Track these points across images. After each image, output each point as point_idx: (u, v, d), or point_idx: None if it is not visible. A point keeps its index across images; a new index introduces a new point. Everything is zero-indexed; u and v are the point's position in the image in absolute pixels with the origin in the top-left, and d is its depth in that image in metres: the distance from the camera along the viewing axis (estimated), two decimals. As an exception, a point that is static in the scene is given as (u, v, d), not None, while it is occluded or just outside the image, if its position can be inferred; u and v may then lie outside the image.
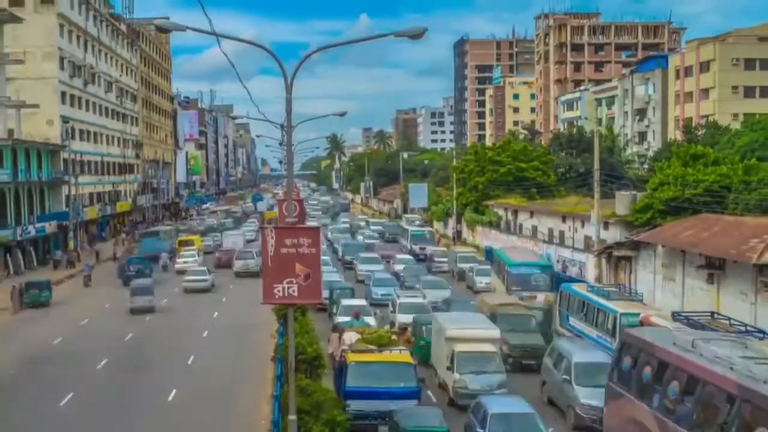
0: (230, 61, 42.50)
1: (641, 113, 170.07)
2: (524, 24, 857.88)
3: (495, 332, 53.21)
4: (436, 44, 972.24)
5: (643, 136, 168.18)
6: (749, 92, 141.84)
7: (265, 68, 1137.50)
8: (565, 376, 46.37)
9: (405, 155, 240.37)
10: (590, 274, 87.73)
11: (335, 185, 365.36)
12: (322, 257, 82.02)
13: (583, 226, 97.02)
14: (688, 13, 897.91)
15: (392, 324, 68.20)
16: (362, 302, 73.16)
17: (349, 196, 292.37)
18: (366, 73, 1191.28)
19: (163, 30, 33.56)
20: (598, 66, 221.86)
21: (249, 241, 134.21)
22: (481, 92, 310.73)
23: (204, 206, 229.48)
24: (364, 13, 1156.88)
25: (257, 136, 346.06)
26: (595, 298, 60.70)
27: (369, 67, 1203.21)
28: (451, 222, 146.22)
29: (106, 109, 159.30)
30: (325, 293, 67.50)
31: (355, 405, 41.57)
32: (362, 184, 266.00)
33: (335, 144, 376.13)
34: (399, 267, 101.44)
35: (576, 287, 68.30)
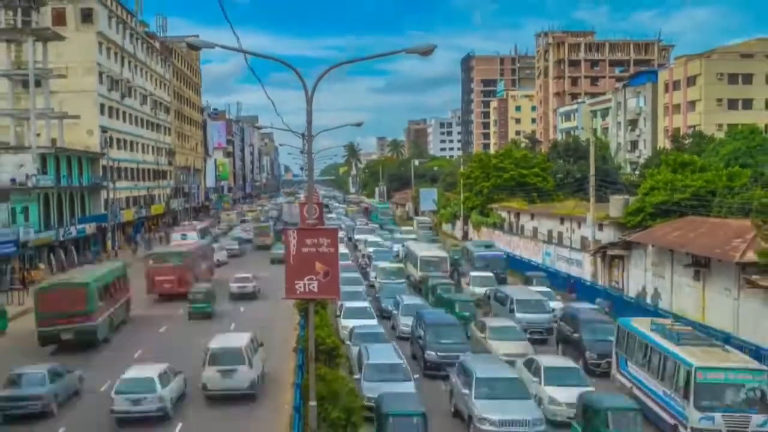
0: (257, 77, 42.60)
1: (633, 124, 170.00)
2: (510, 39, 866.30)
3: None
4: (440, 58, 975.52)
5: (634, 144, 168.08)
6: (732, 104, 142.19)
7: (267, 79, 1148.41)
8: None
9: (416, 162, 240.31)
10: (587, 272, 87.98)
11: (352, 190, 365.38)
12: (374, 321, 61.70)
13: (579, 227, 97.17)
14: (671, 30, 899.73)
15: None
16: None
17: (365, 199, 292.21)
18: (380, 86, 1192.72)
19: (193, 47, 33.61)
20: (594, 80, 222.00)
21: None
22: (486, 104, 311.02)
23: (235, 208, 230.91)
24: (352, 35, 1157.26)
25: (280, 145, 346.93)
26: None
27: (382, 80, 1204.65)
28: (459, 223, 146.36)
29: (142, 119, 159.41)
30: (371, 391, 41.92)
31: None
32: (377, 189, 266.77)
33: (352, 152, 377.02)
34: None
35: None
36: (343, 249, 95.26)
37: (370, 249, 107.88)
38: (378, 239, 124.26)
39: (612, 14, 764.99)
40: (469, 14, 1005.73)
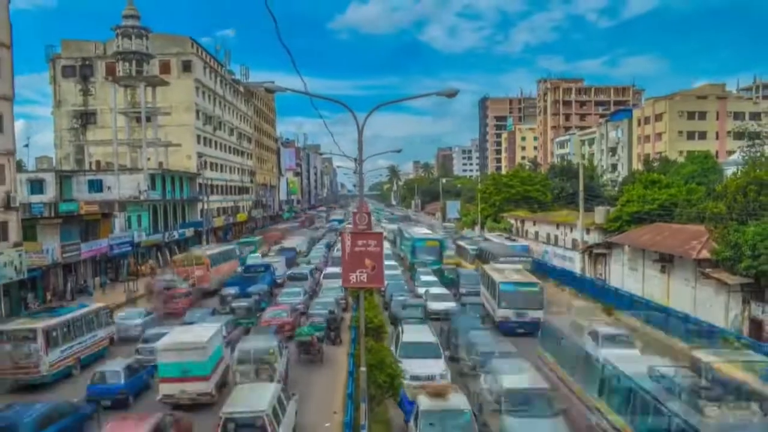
0: (320, 115, 42.59)
1: (613, 151, 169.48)
2: (492, 83, 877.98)
3: None
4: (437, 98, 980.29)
5: (614, 167, 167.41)
6: (691, 135, 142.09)
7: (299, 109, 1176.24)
8: None
9: (443, 181, 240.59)
10: (577, 266, 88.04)
11: (393, 202, 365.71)
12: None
13: (571, 231, 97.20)
14: (618, 74, 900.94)
15: None
16: None
17: (404, 209, 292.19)
18: (413, 119, 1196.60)
19: (269, 91, 34.03)
20: (582, 117, 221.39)
21: None
22: (498, 135, 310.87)
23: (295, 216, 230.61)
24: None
25: (338, 167, 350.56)
26: None
27: (414, 115, 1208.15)
28: (477, 228, 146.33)
29: (229, 147, 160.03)
30: None
31: None
32: (413, 201, 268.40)
33: (393, 172, 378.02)
34: None
35: None
36: None
37: None
38: None
39: (567, 62, 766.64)
40: (456, 62, 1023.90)
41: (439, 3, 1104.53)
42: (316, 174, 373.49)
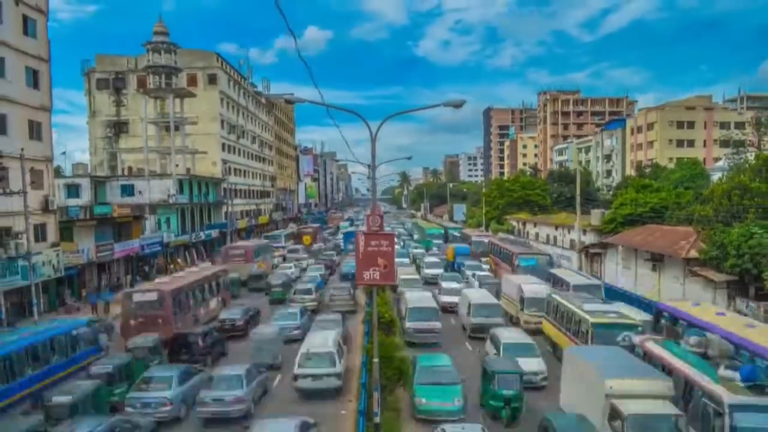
0: (336, 125, 42.57)
1: (608, 158, 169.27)
2: (486, 93, 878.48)
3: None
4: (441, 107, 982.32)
5: (609, 172, 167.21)
6: (680, 143, 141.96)
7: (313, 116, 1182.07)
8: None
9: (450, 185, 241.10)
10: (574, 265, 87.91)
11: (404, 205, 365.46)
12: None
13: (569, 232, 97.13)
14: (601, 85, 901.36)
15: None
16: None
17: (414, 212, 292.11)
18: (418, 127, 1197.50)
19: (289, 102, 34.13)
20: (579, 126, 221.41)
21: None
22: (501, 143, 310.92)
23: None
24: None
25: (352, 172, 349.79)
26: None
27: (419, 123, 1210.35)
28: (482, 229, 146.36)
29: (252, 154, 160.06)
30: None
31: None
32: (422, 205, 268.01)
33: (404, 177, 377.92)
34: None
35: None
36: None
37: None
38: None
39: (552, 74, 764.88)
40: (451, 74, 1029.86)
41: (433, 19, 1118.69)
42: (332, 179, 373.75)
